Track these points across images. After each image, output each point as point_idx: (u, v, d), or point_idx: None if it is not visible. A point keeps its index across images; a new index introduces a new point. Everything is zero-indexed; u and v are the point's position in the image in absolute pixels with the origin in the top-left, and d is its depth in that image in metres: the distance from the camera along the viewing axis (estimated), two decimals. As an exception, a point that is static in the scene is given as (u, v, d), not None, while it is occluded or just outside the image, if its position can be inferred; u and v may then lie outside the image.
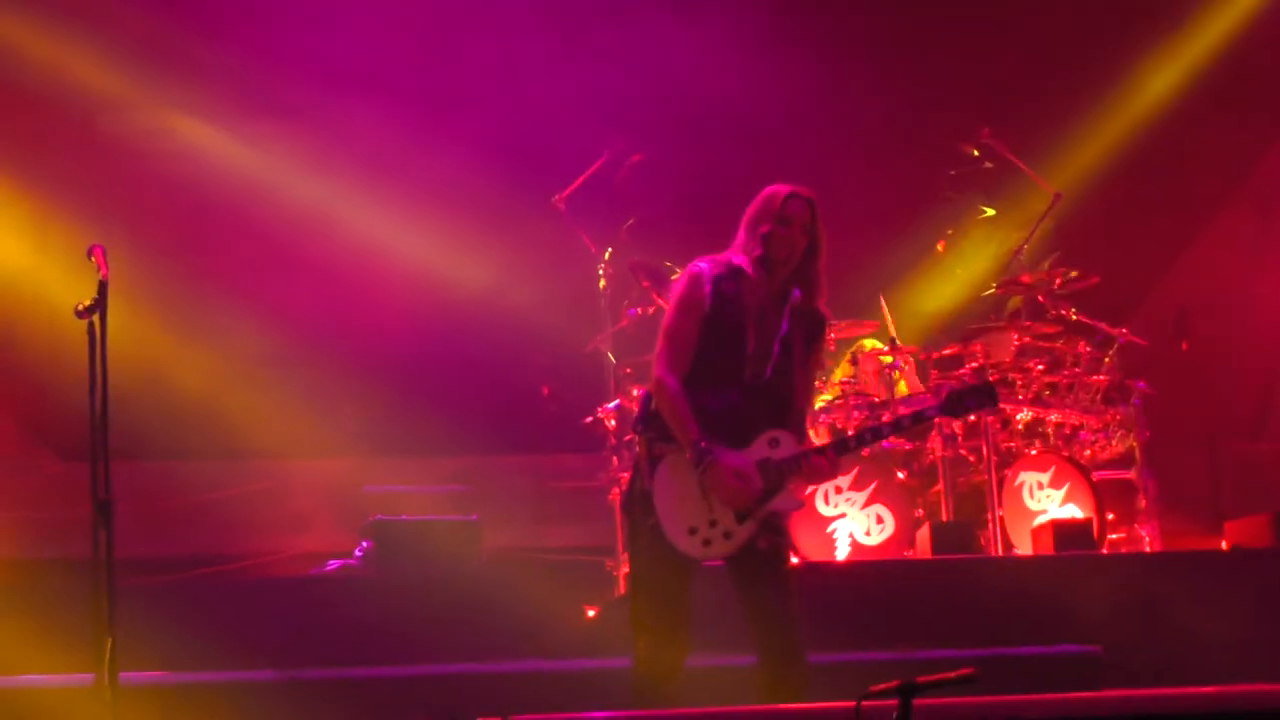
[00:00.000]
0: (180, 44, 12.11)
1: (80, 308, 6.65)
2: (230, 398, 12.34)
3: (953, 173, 11.79)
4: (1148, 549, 10.74)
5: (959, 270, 12.01)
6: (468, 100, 12.61)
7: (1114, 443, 11.11)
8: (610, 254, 11.26)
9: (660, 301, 10.56)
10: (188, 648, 8.79)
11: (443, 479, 12.06)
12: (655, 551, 6.92)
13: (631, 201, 11.42)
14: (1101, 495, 10.63)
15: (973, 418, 10.62)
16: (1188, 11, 13.26)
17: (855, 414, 10.70)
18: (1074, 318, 11.17)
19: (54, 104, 12.02)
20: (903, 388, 11.03)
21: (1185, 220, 13.69)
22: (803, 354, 7.08)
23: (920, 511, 10.76)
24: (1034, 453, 10.82)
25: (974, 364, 10.89)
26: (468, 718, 6.40)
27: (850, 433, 9.81)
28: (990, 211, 11.74)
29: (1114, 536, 10.84)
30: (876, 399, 10.85)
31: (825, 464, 6.96)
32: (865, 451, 10.11)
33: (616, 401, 10.91)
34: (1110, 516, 10.70)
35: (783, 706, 6.30)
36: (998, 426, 10.84)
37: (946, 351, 11.16)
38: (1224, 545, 11.11)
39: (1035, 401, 10.93)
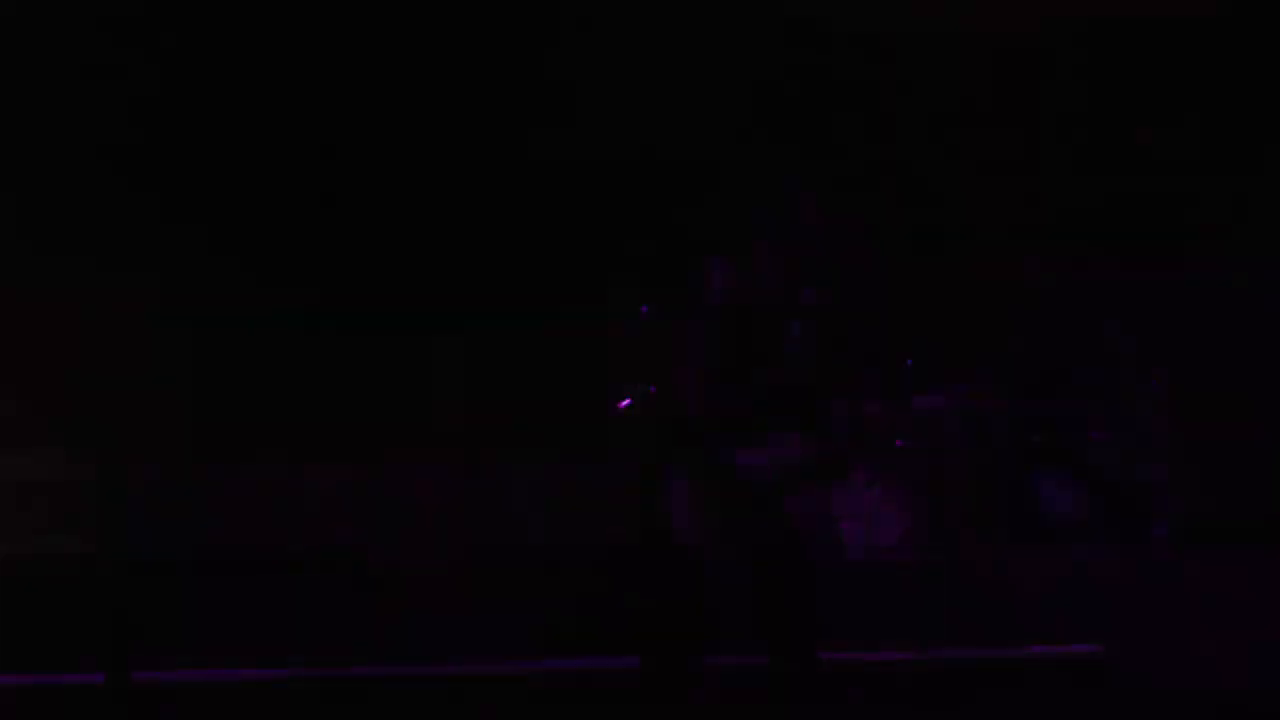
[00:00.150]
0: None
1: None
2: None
3: None
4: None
5: None
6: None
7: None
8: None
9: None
10: (200, 645, 8.81)
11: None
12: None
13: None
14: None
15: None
16: None
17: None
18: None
19: None
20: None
21: None
22: (816, 353, 7.10)
23: (928, 510, 10.77)
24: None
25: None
26: None
27: (863, 433, 9.83)
28: None
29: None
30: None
31: (838, 463, 7.01)
32: (876, 450, 10.14)
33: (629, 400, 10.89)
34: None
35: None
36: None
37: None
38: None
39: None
